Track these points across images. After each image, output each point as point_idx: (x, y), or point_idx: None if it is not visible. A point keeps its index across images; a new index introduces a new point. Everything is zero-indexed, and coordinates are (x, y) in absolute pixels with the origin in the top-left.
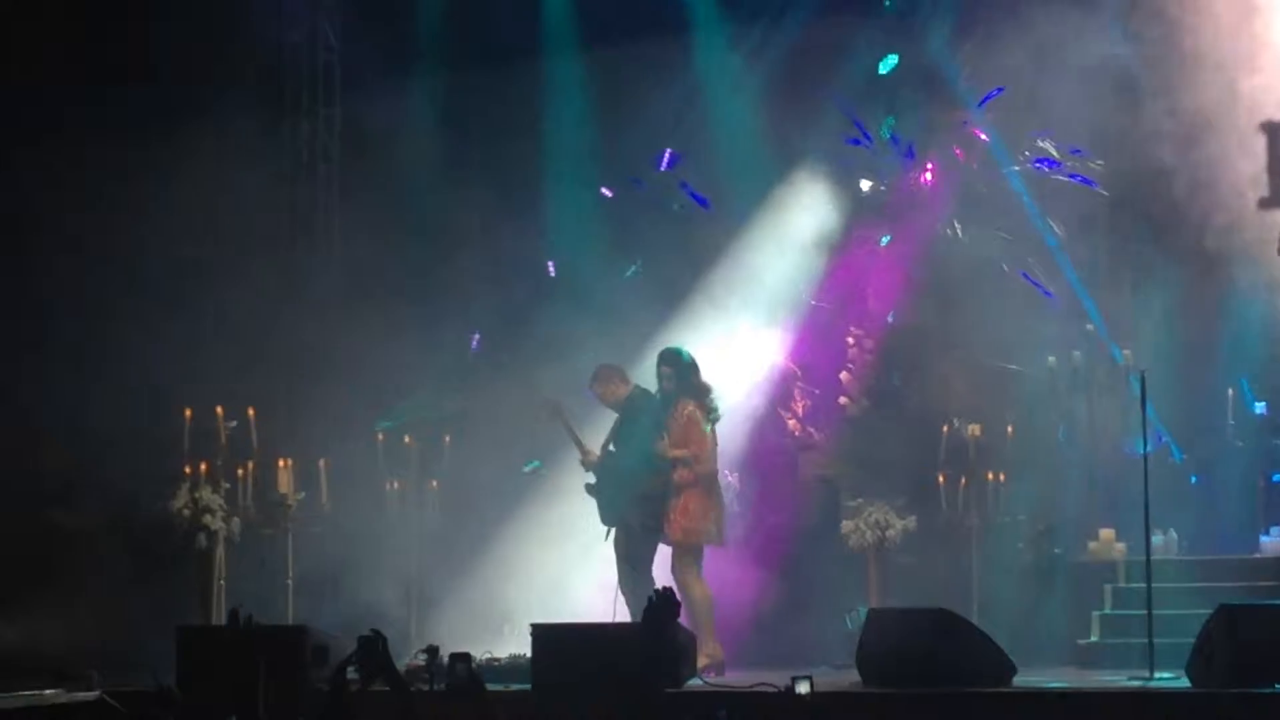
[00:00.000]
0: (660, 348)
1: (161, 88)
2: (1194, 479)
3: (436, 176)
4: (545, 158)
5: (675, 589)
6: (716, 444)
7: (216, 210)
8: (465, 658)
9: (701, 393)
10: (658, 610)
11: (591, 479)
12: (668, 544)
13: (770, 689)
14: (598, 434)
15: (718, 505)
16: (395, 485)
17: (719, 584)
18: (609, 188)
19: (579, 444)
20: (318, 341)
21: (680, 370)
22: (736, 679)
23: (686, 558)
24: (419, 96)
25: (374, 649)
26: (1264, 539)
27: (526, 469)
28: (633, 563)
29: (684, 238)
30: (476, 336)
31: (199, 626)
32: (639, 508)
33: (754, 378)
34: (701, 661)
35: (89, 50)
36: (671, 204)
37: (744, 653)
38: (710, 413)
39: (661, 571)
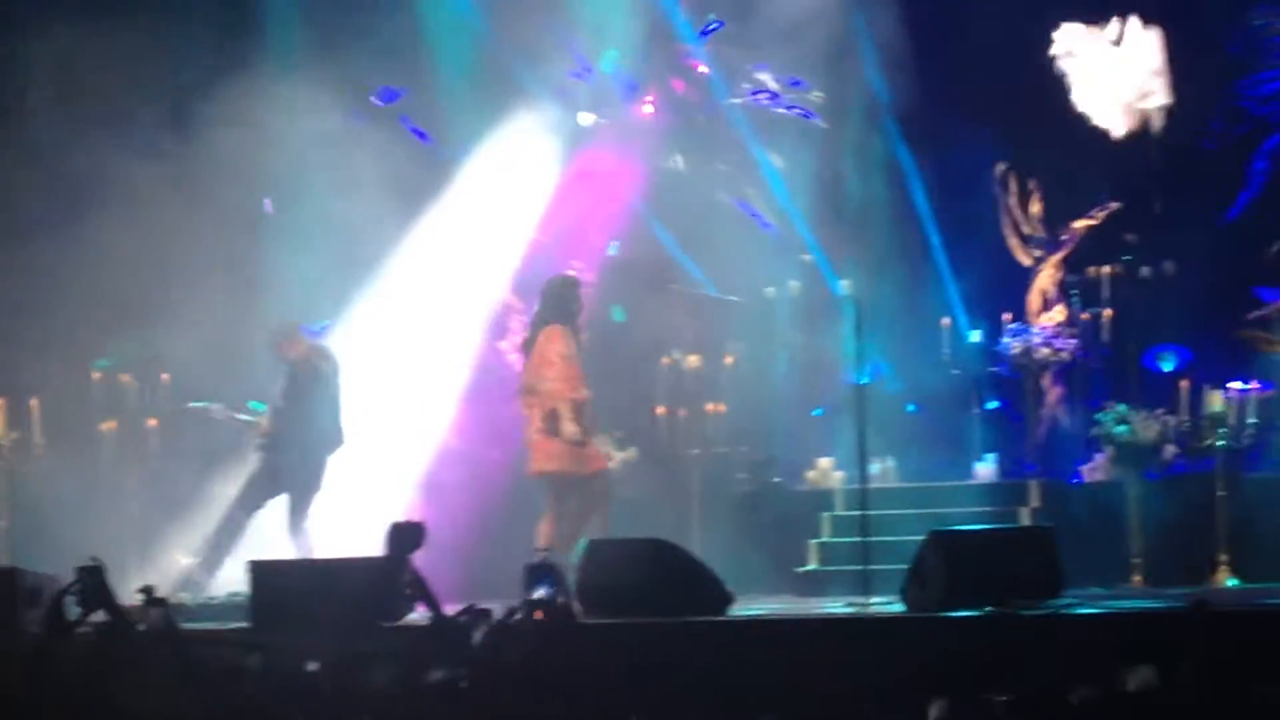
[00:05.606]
0: (385, 284)
1: None
2: (911, 408)
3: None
4: (264, 93)
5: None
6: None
7: None
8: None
9: (566, 316)
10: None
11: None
12: (527, 474)
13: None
14: None
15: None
16: (112, 425)
17: (440, 519)
18: (329, 121)
19: (248, 423)
20: (25, 273)
21: (551, 293)
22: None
23: (549, 492)
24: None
25: (94, 578)
26: (977, 465)
27: (193, 405)
28: (298, 511)
29: (406, 172)
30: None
31: None
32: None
33: (475, 312)
34: None
35: None
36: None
37: (463, 586)
38: (576, 334)
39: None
